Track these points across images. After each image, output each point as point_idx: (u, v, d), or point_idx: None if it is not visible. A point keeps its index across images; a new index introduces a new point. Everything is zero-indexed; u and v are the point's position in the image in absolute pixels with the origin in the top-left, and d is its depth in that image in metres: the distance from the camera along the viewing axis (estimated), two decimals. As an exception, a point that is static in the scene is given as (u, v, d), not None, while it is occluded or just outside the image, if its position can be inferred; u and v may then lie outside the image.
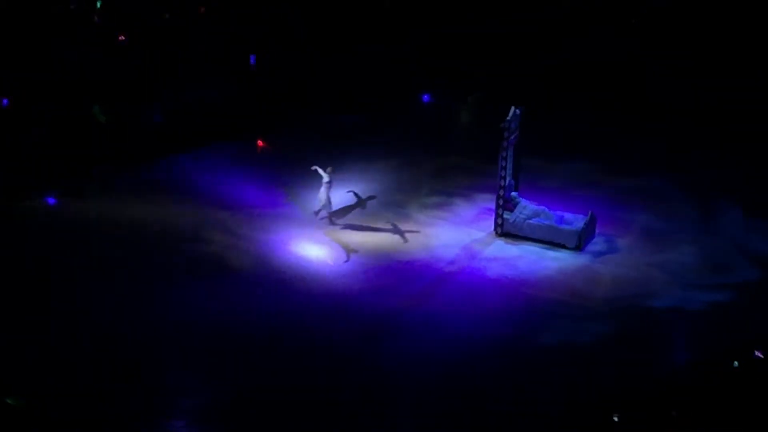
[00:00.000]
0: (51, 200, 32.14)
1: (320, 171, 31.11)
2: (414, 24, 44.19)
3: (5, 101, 35.75)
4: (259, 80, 40.24)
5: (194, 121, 37.40)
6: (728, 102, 39.50)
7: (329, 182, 31.00)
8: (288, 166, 34.92)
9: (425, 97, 40.90)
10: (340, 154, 34.65)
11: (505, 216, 30.63)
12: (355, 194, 32.57)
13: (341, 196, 32.18)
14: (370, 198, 33.01)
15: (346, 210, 32.23)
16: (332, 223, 31.44)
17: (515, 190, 31.40)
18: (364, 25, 43.71)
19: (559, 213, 30.79)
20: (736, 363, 24.13)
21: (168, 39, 40.18)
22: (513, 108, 30.40)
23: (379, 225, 31.59)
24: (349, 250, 30.01)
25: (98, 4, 38.01)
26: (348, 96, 40.18)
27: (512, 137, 30.37)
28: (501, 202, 30.58)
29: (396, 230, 31.19)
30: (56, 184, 33.06)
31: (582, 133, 38.16)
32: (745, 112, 38.96)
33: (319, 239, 30.73)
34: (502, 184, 30.41)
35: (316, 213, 31.49)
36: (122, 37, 39.62)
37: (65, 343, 25.22)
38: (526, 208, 30.72)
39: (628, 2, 45.77)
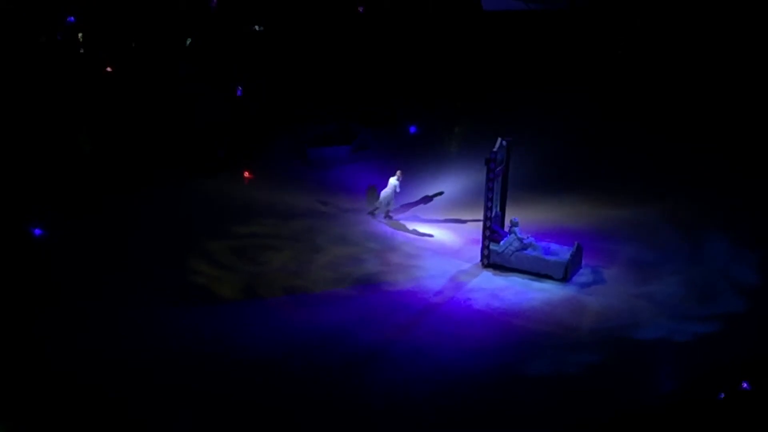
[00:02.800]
0: (37, 231, 32.02)
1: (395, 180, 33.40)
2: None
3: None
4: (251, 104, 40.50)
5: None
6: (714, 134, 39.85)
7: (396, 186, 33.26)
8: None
9: (412, 128, 40.94)
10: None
11: (492, 247, 30.62)
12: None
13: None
14: (438, 194, 35.00)
15: (409, 205, 34.50)
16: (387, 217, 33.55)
17: (502, 222, 31.42)
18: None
19: (545, 244, 30.78)
20: (722, 395, 24.11)
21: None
22: (499, 139, 30.50)
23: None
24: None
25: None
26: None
27: (498, 169, 30.44)
28: (487, 233, 30.57)
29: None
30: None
31: (569, 165, 38.26)
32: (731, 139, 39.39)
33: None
34: (489, 215, 30.42)
35: (373, 213, 33.63)
36: (109, 69, 39.62)
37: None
38: (516, 241, 30.64)
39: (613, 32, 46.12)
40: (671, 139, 39.87)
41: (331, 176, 36.95)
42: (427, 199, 34.88)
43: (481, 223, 30.82)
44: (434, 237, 32.65)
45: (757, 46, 43.41)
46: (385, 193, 33.41)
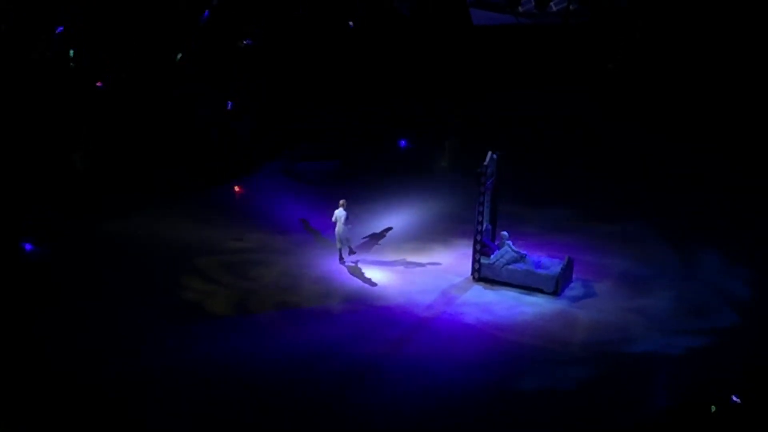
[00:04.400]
0: (28, 246, 31.95)
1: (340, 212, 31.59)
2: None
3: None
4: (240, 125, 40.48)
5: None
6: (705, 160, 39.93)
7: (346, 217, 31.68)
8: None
9: (402, 143, 40.95)
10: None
11: (482, 261, 30.58)
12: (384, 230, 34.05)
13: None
14: (388, 229, 33.96)
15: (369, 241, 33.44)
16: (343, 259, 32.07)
17: (492, 236, 31.39)
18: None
19: (536, 258, 30.75)
20: (713, 408, 24.08)
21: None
22: (489, 153, 30.49)
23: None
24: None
25: (71, 53, 38.04)
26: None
27: (489, 182, 30.43)
28: (478, 247, 30.53)
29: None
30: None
31: (559, 179, 38.32)
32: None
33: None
34: (479, 228, 30.39)
35: (343, 257, 32.01)
36: (99, 84, 39.48)
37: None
38: (508, 253, 30.63)
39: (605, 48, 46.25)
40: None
41: (320, 192, 36.83)
42: (377, 237, 33.80)
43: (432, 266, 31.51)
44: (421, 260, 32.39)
45: (756, 49, 43.66)
46: (338, 229, 31.56)
